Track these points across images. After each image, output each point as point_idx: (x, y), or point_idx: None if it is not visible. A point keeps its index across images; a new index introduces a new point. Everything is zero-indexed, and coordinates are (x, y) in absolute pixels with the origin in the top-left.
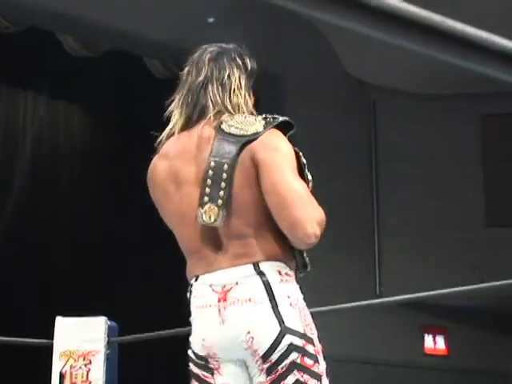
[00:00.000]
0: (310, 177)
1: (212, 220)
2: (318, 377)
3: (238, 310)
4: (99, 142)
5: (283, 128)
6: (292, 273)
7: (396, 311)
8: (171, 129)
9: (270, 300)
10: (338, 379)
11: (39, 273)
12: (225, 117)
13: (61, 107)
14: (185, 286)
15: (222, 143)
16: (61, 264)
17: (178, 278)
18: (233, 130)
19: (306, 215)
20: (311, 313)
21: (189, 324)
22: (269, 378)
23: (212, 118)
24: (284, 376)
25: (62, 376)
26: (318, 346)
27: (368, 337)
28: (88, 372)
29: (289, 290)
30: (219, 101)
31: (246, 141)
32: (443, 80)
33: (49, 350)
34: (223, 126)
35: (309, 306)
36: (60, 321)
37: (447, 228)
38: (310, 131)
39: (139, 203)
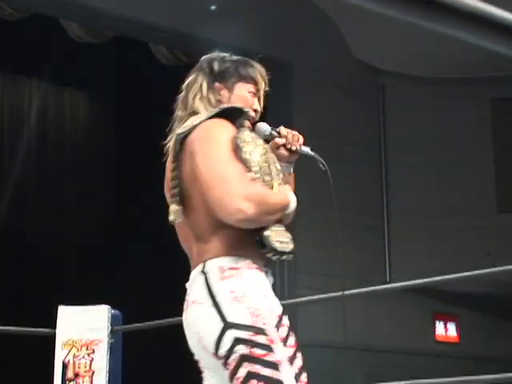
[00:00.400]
0: (248, 156)
1: (172, 218)
2: (273, 365)
3: (190, 312)
4: (104, 128)
5: (231, 115)
6: (242, 265)
7: (407, 298)
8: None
9: (212, 299)
10: (348, 367)
11: (40, 260)
12: (185, 121)
13: (66, 94)
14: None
15: (174, 145)
16: (63, 251)
17: (182, 266)
18: (179, 130)
19: (228, 192)
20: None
21: None
22: (227, 372)
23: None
24: (236, 370)
25: (64, 366)
26: (273, 335)
27: (379, 324)
28: (91, 361)
29: (232, 285)
30: (186, 109)
31: (183, 136)
32: (452, 64)
33: (51, 339)
34: (178, 130)
35: (319, 293)
36: (62, 310)
37: (458, 214)
38: (319, 117)
39: (146, 189)
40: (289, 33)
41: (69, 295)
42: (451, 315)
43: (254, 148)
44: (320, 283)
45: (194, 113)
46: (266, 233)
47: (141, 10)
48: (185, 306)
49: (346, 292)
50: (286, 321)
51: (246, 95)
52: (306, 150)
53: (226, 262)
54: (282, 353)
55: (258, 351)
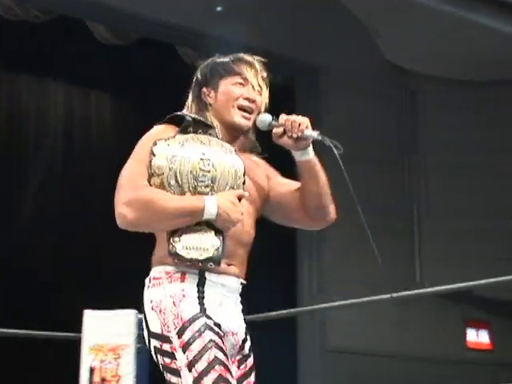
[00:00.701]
0: (156, 160)
1: None
2: (176, 372)
3: None
4: (131, 130)
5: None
6: (164, 274)
7: (438, 305)
8: None
9: (143, 307)
10: (378, 375)
11: (65, 262)
12: None
13: (92, 96)
14: None
15: None
16: (88, 253)
17: None
18: None
19: (116, 198)
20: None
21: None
22: None
23: None
24: (164, 378)
25: (91, 370)
26: (175, 342)
27: (409, 331)
28: (118, 366)
29: (152, 295)
30: None
31: None
32: (484, 66)
33: (77, 343)
34: None
35: (347, 298)
36: (88, 314)
37: (491, 218)
38: (350, 120)
39: None
40: (318, 35)
41: (94, 299)
42: (483, 322)
43: (183, 153)
44: (349, 289)
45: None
46: (173, 239)
47: (167, 12)
48: None
49: (393, 295)
50: (195, 326)
51: (229, 89)
52: (311, 133)
53: (153, 272)
54: (181, 360)
55: (166, 359)
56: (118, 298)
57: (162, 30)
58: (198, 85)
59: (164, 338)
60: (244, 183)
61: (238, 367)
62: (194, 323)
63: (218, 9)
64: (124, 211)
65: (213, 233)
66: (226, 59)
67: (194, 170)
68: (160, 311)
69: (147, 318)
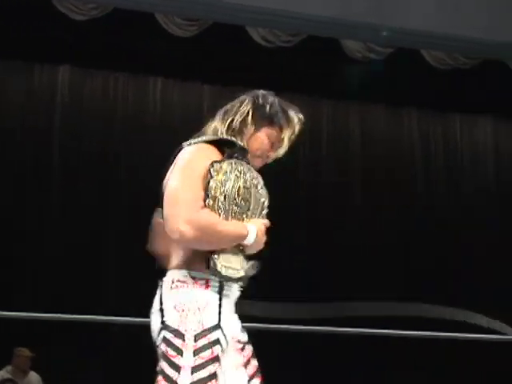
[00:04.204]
0: (214, 184)
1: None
2: (176, 368)
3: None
4: None
5: (226, 145)
6: (189, 279)
7: None
8: None
9: (160, 304)
10: None
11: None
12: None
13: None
14: None
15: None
16: None
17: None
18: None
19: (174, 213)
20: None
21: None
22: None
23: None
24: (158, 362)
25: None
26: (188, 342)
27: None
28: None
29: (175, 297)
30: (224, 124)
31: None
32: None
33: None
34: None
35: None
36: None
37: None
38: None
39: None
40: None
41: None
42: None
43: (227, 180)
44: None
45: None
46: (214, 256)
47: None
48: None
49: None
50: (212, 336)
51: (264, 140)
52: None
53: (176, 274)
54: (188, 360)
55: (170, 352)
56: None
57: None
58: (247, 113)
59: (177, 333)
60: (266, 213)
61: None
62: (211, 333)
63: None
64: (184, 229)
65: (242, 255)
66: (279, 109)
67: (237, 198)
68: (183, 311)
69: (165, 313)
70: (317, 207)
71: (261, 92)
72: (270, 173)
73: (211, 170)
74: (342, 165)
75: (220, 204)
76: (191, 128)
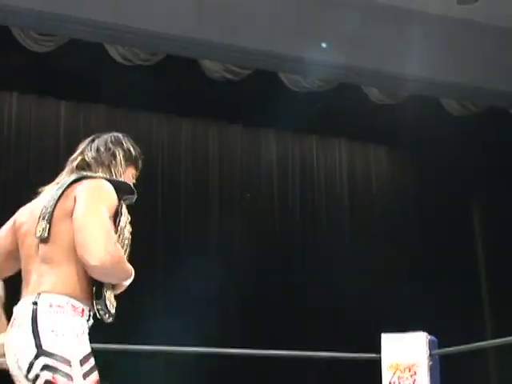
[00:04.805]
0: (125, 229)
1: (39, 234)
2: None
3: (12, 334)
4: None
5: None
6: (68, 306)
7: None
8: None
9: (33, 327)
10: None
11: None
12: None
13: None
14: None
15: (64, 180)
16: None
17: None
18: (75, 176)
19: (98, 240)
20: None
21: None
22: None
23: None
24: None
25: None
26: (76, 368)
27: None
28: (414, 382)
29: (53, 321)
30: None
31: (78, 177)
32: None
33: (377, 363)
34: (73, 175)
35: None
36: (386, 337)
37: None
38: None
39: None
40: None
41: (386, 323)
42: None
43: (127, 222)
44: None
45: (90, 166)
46: (105, 289)
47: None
48: (9, 327)
49: None
50: (92, 360)
51: (130, 178)
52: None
53: (56, 299)
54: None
55: (60, 378)
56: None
57: (427, 87)
58: (128, 157)
59: (63, 360)
60: None
61: None
62: (91, 358)
63: None
64: (103, 258)
65: (113, 293)
66: (137, 153)
67: (126, 240)
68: (63, 335)
69: (42, 336)
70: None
71: (119, 135)
72: None
73: (120, 208)
74: (200, 183)
75: (120, 242)
76: (46, 144)
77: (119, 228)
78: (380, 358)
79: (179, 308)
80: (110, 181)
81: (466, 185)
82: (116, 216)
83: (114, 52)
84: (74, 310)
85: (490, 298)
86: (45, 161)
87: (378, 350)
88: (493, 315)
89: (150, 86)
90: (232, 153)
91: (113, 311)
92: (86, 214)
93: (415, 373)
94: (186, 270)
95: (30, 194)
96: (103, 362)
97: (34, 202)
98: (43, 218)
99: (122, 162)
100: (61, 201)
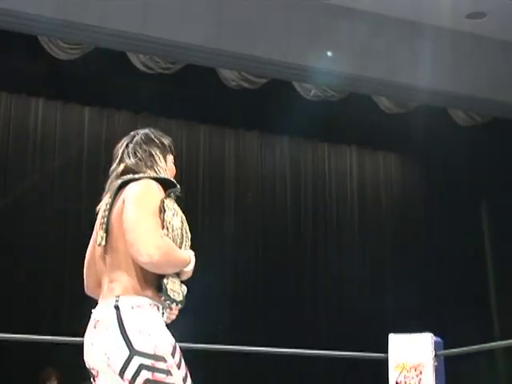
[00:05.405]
0: (167, 218)
1: (99, 241)
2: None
3: (98, 335)
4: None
5: (165, 183)
6: (146, 304)
7: None
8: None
9: (121, 329)
10: None
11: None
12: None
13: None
14: None
15: (113, 187)
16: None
17: None
18: (125, 177)
19: (144, 237)
20: None
21: None
22: None
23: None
24: None
25: None
26: (170, 361)
27: None
28: (419, 381)
29: (137, 321)
30: (134, 159)
31: (124, 182)
32: None
33: (383, 362)
34: (123, 177)
35: None
36: (393, 337)
37: None
38: None
39: None
40: None
41: (396, 323)
42: None
43: (174, 215)
44: None
45: (133, 171)
46: (165, 280)
47: (441, 80)
48: (91, 328)
49: None
50: (178, 348)
51: (172, 166)
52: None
53: (135, 300)
54: (177, 375)
55: (159, 375)
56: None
57: (435, 97)
58: (163, 149)
59: (158, 358)
60: None
61: None
62: (177, 347)
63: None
64: (154, 253)
65: (178, 280)
66: (169, 141)
67: (178, 230)
68: (149, 335)
69: (132, 338)
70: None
71: (147, 132)
72: None
73: (163, 205)
74: (216, 187)
75: (170, 235)
76: (71, 148)
77: (166, 223)
78: (387, 357)
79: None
80: (153, 179)
81: (473, 192)
82: (161, 212)
83: (136, 60)
84: (152, 307)
85: (498, 299)
86: (68, 164)
87: (382, 349)
88: (500, 315)
89: (169, 94)
90: (248, 159)
91: (179, 298)
92: (133, 215)
93: (421, 372)
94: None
95: (56, 196)
96: None
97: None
98: (101, 227)
99: (161, 157)
100: (113, 208)
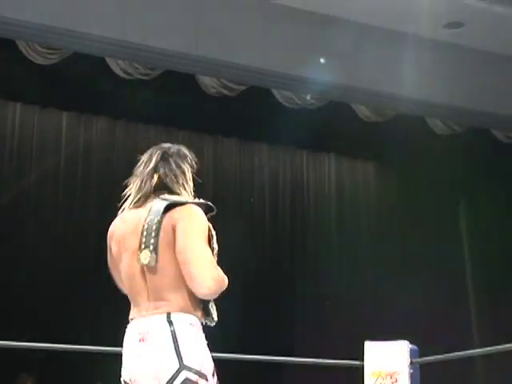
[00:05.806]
0: (215, 246)
1: (147, 261)
2: None
3: (148, 348)
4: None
5: (206, 209)
6: (196, 323)
7: None
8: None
9: (175, 343)
10: None
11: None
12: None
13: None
14: None
15: (156, 206)
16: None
17: None
18: (167, 197)
19: (203, 271)
20: None
21: None
22: None
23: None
24: None
25: None
26: (211, 381)
27: None
28: None
29: (191, 337)
30: (170, 179)
31: (170, 203)
32: None
33: (358, 370)
34: (163, 196)
35: None
36: (369, 345)
37: None
38: None
39: None
40: None
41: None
42: None
43: (215, 239)
44: None
45: (167, 186)
46: (211, 304)
47: (418, 89)
48: (134, 342)
49: None
50: (215, 371)
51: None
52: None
53: (188, 318)
54: None
55: None
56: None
57: (414, 106)
58: (192, 168)
59: (201, 375)
60: None
61: None
62: (215, 369)
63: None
64: (210, 285)
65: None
66: (195, 161)
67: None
68: (198, 352)
69: (184, 353)
70: None
71: (183, 149)
72: None
73: (212, 232)
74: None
75: (215, 257)
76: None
77: (213, 247)
78: (363, 365)
79: None
80: (197, 204)
81: (452, 200)
82: (210, 238)
83: (115, 66)
84: (200, 326)
85: (478, 307)
86: (45, 169)
87: (357, 357)
88: (480, 324)
89: (148, 100)
90: (226, 165)
91: (216, 319)
92: (188, 247)
93: (396, 380)
94: None
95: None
96: (96, 362)
97: (118, 223)
98: (146, 247)
99: (190, 176)
100: (161, 231)
